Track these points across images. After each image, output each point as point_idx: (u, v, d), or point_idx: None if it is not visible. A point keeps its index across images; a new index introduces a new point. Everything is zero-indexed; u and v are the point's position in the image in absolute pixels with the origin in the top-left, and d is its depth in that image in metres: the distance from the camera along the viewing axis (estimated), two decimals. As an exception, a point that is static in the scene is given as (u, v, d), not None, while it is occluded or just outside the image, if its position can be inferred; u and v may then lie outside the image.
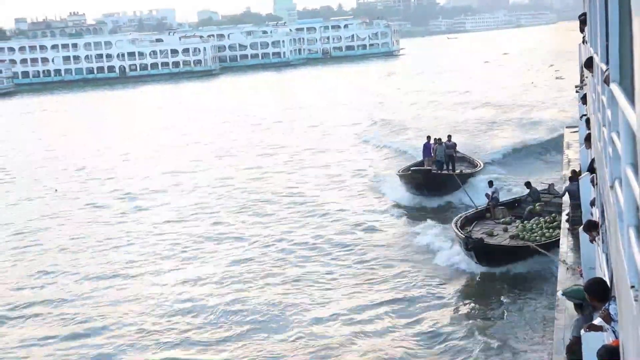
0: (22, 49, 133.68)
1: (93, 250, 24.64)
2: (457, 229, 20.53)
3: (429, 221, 24.67)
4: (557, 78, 64.42)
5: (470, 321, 16.81)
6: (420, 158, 30.93)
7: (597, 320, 7.09)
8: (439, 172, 28.17)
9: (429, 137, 30.59)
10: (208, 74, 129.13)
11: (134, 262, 23.09)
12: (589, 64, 10.60)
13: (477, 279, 19.52)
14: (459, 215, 22.32)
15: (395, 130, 45.11)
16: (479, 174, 28.99)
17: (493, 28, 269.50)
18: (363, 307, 18.00)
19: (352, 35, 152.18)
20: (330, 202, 29.05)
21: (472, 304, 18.11)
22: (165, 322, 17.88)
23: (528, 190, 22.77)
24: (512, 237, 20.03)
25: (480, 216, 22.19)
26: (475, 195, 24.34)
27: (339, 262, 21.74)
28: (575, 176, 17.88)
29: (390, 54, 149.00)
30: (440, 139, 29.79)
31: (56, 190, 34.72)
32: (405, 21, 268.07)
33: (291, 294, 19.22)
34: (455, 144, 29.99)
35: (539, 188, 23.42)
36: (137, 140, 51.27)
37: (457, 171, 28.55)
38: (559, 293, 12.76)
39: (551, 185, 23.38)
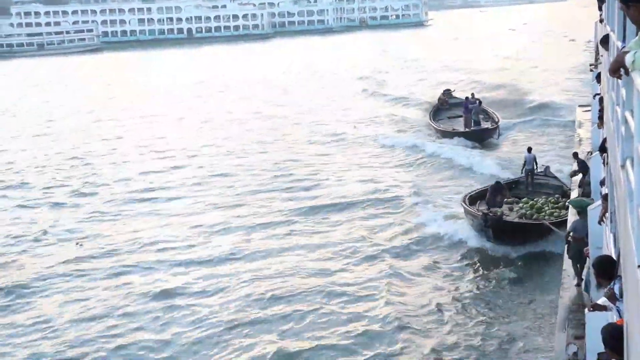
0: (102, 11, 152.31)
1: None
2: (470, 206, 20.51)
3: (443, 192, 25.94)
4: (570, 40, 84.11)
5: (475, 300, 16.89)
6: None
7: (602, 300, 7.15)
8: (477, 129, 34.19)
9: (472, 94, 38.32)
10: (263, 37, 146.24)
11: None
12: (605, 40, 10.57)
13: (483, 256, 19.43)
14: (465, 194, 22.62)
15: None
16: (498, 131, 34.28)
17: (506, 4, 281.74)
18: (364, 287, 17.99)
19: (387, 6, 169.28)
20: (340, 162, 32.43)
21: (478, 283, 17.98)
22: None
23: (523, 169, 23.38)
24: (520, 217, 19.95)
25: (482, 195, 22.08)
26: (482, 178, 26.96)
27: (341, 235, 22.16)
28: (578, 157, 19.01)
29: (420, 24, 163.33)
30: (472, 98, 36.89)
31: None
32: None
33: (285, 280, 19.01)
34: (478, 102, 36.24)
35: (536, 170, 23.85)
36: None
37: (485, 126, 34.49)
38: (567, 202, 14.38)
39: (547, 168, 23.69)
